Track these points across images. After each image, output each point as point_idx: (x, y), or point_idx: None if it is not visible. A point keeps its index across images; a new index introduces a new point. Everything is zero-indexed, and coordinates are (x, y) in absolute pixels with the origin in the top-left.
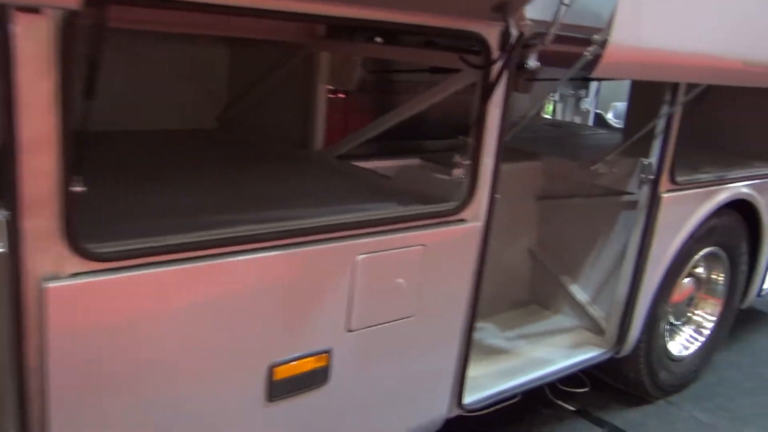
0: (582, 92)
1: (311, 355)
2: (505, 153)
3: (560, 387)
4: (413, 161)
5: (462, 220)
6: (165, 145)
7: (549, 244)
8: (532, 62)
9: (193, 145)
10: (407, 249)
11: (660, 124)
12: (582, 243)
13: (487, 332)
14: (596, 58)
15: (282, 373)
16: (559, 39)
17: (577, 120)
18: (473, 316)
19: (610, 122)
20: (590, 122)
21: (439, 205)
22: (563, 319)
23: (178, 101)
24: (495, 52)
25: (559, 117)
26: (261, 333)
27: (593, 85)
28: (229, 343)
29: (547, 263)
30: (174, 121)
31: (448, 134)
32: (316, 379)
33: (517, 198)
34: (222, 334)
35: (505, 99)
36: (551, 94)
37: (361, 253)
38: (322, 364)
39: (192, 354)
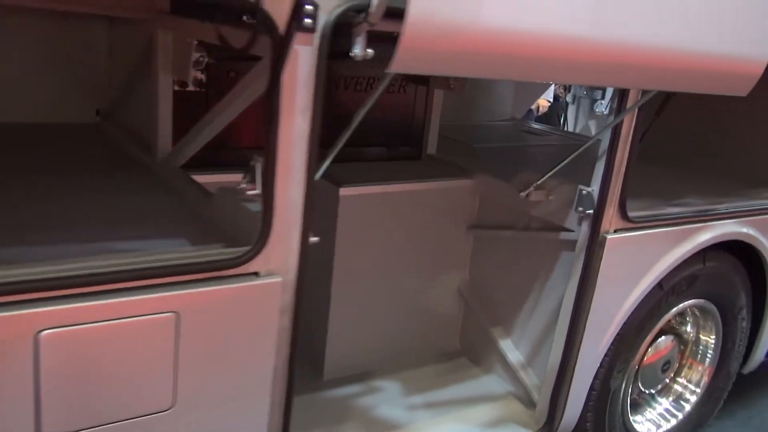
0: (597, 93)
1: None
2: (432, 167)
3: None
4: None
5: (252, 275)
6: (20, 143)
7: (481, 286)
8: (359, 49)
9: (43, 145)
10: (142, 319)
11: (605, 139)
12: (517, 288)
13: (387, 395)
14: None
15: None
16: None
17: (593, 126)
18: (288, 400)
19: None
20: None
21: (204, 252)
22: (493, 382)
23: (52, 91)
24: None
25: (571, 123)
26: None
27: None
28: None
29: (478, 310)
30: (49, 114)
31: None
32: None
33: (443, 224)
34: None
35: (314, 99)
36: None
37: (44, 328)
38: None
39: None
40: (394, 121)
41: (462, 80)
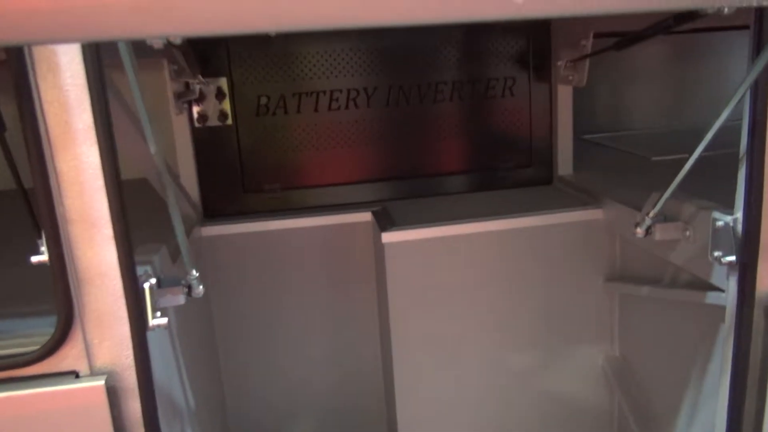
0: None
1: None
2: (558, 194)
3: None
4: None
5: (67, 375)
6: None
7: (631, 369)
8: None
9: None
10: None
11: (744, 118)
12: (673, 378)
13: None
14: None
15: None
16: None
17: None
18: None
19: None
20: None
21: None
22: None
23: None
24: None
25: None
26: None
27: None
28: None
29: (629, 409)
30: None
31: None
32: None
33: (567, 276)
34: None
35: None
36: None
37: None
38: None
39: None
40: (505, 135)
41: (581, 67)
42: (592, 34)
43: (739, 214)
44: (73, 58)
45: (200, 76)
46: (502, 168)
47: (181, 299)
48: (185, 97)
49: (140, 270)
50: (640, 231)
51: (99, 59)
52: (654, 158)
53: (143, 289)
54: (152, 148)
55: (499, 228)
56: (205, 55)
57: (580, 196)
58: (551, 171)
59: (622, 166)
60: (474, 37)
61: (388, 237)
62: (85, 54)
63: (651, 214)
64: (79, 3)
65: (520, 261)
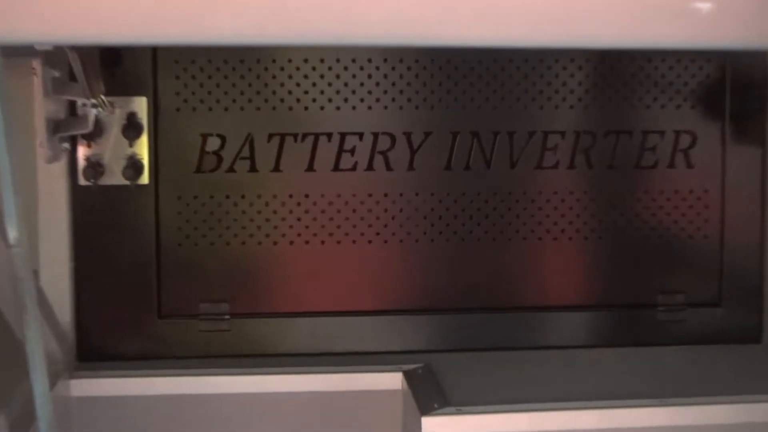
0: None
1: None
2: (765, 357)
3: None
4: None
5: None
6: None
7: None
8: None
9: None
10: None
11: None
12: None
13: None
14: None
15: None
16: None
17: None
18: None
19: None
20: None
21: None
22: None
23: None
24: None
25: None
26: None
27: None
28: None
29: None
30: None
31: None
32: None
33: None
34: None
35: None
36: None
37: None
38: None
39: None
40: (670, 240)
41: None
42: None
43: None
44: None
45: (101, 95)
46: (660, 305)
47: None
48: (67, 129)
49: None
50: None
51: None
52: None
53: None
54: (11, 235)
55: (650, 424)
56: (111, 55)
57: None
58: (760, 318)
59: None
60: (618, 51)
61: (432, 424)
62: None
63: None
64: None
65: None
